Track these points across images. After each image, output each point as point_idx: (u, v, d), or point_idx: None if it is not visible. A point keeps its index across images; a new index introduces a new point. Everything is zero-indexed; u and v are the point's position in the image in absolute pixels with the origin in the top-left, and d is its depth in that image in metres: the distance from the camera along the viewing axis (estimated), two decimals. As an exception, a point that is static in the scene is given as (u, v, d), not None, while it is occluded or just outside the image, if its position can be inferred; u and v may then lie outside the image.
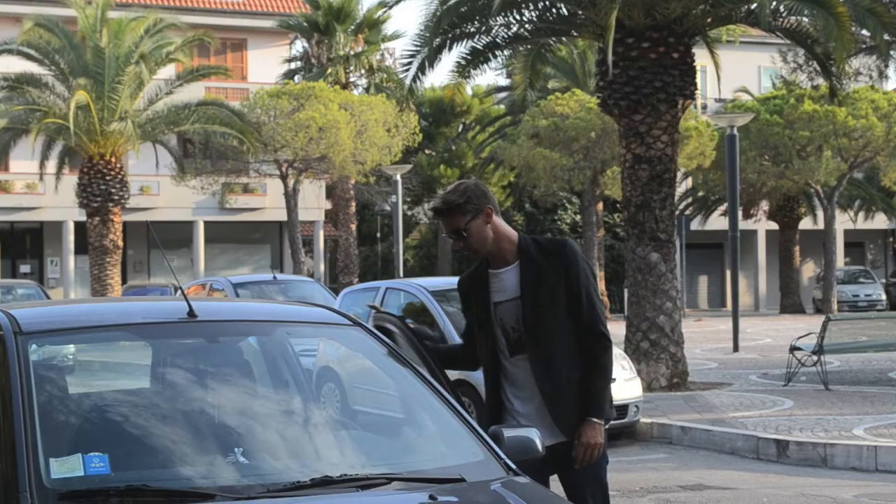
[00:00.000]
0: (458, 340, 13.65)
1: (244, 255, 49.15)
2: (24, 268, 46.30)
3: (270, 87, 40.41)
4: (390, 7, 47.56)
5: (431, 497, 3.76)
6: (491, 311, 5.16)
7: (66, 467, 3.73)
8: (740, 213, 33.96)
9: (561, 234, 53.92)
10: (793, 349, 17.20)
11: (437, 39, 18.59)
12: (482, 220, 5.09)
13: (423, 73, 19.12)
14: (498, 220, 5.13)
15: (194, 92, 35.94)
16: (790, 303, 46.99)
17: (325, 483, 3.82)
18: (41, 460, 3.72)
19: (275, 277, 21.19)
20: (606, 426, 5.28)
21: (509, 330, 5.14)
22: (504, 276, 5.16)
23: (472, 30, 18.80)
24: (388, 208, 48.59)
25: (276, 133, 37.31)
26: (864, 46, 22.07)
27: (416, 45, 19.11)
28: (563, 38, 23.76)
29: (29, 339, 4.19)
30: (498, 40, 19.20)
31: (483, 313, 5.19)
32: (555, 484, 4.97)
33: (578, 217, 51.51)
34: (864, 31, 19.45)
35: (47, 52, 31.89)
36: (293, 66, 47.69)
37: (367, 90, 45.77)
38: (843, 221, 50.49)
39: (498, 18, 18.41)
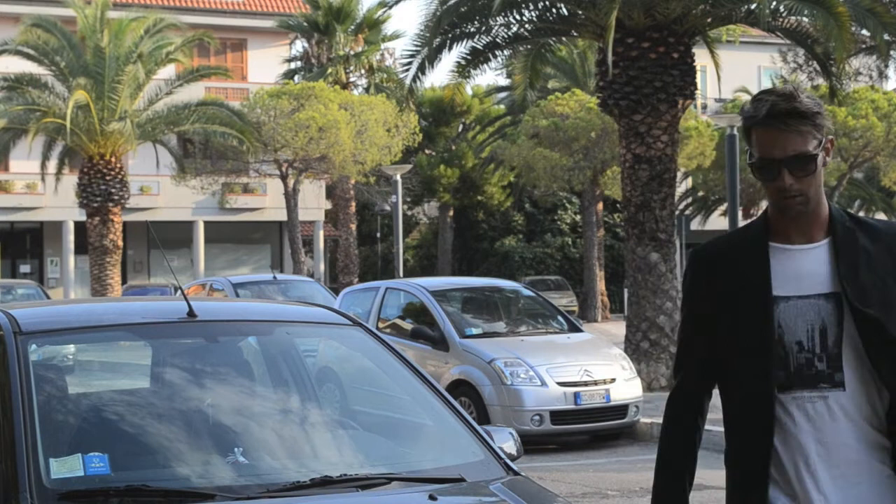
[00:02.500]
0: (457, 340, 13.69)
1: (244, 255, 49.15)
2: (24, 268, 46.29)
3: (270, 87, 40.41)
4: (390, 7, 47.58)
5: (431, 497, 3.76)
6: (772, 312, 3.17)
7: (66, 467, 3.73)
8: (740, 213, 33.93)
9: (561, 234, 53.92)
10: (793, 349, 17.19)
11: (437, 39, 18.61)
12: (824, 154, 3.20)
13: (423, 73, 19.16)
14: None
15: (194, 92, 35.94)
16: (790, 303, 46.92)
17: (324, 483, 3.82)
18: (41, 460, 3.72)
19: (275, 277, 21.19)
20: None
21: (792, 346, 3.17)
22: (803, 257, 3.20)
23: (472, 30, 18.82)
24: (388, 208, 48.60)
25: (276, 133, 37.32)
26: (864, 46, 22.08)
27: (416, 45, 19.14)
28: (563, 38, 23.78)
29: (29, 339, 4.19)
30: (498, 40, 19.22)
31: (752, 313, 3.19)
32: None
33: (578, 217, 51.51)
34: (864, 31, 19.46)
35: (46, 52, 31.89)
36: (293, 66, 47.70)
37: (367, 90, 45.78)
38: (844, 221, 50.37)
39: (498, 18, 18.43)
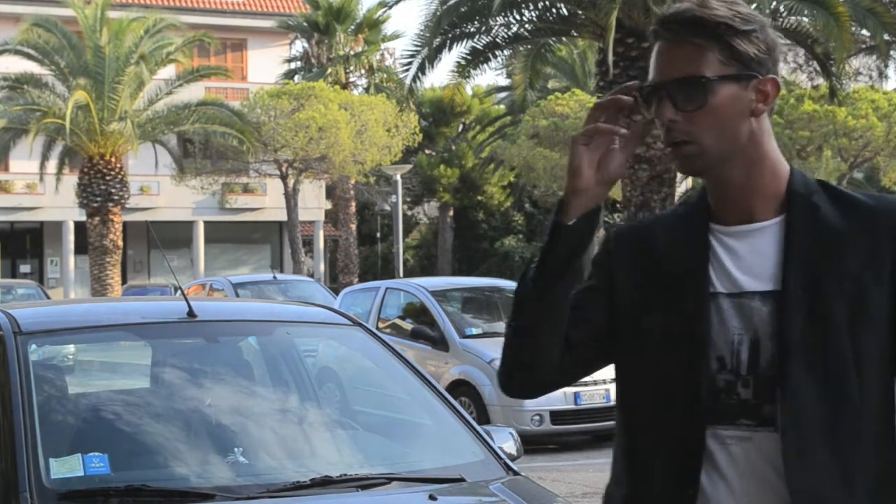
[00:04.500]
0: (457, 340, 13.69)
1: (244, 255, 49.15)
2: (24, 268, 46.29)
3: (270, 87, 40.42)
4: (390, 7, 47.64)
5: (431, 497, 3.76)
6: (708, 312, 2.22)
7: (65, 467, 3.73)
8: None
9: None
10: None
11: (437, 39, 18.63)
12: (748, 96, 2.19)
13: (423, 73, 19.20)
14: (768, 126, 2.24)
15: (194, 92, 35.95)
16: (790, 303, 46.96)
17: (324, 483, 3.81)
18: (41, 460, 3.72)
19: (275, 277, 21.20)
20: None
21: (729, 361, 2.21)
22: (740, 242, 2.25)
23: (472, 30, 18.84)
24: (388, 208, 48.61)
25: (276, 133, 37.32)
26: (864, 46, 22.11)
27: (416, 45, 19.16)
28: (563, 38, 23.80)
29: (29, 339, 4.19)
30: (498, 40, 19.24)
31: (679, 316, 2.24)
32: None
33: (578, 217, 51.46)
34: (864, 31, 19.48)
35: (46, 52, 31.91)
36: (293, 66, 47.72)
37: (367, 90, 45.79)
38: (843, 221, 50.46)
39: (498, 18, 18.45)
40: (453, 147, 53.60)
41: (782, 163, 2.26)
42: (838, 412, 2.14)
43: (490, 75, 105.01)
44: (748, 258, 2.23)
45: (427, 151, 52.55)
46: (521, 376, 2.36)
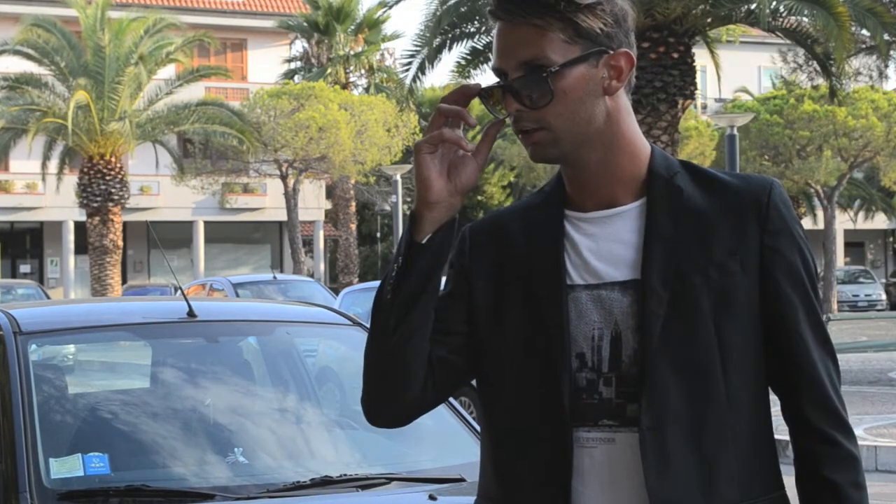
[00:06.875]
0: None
1: (244, 255, 49.17)
2: (24, 268, 46.32)
3: (270, 87, 40.44)
4: (390, 7, 47.66)
5: (431, 497, 3.76)
6: (564, 307, 2.06)
7: (65, 467, 3.73)
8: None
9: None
10: (793, 349, 17.21)
11: (437, 39, 18.65)
12: (599, 74, 2.03)
13: (423, 73, 19.23)
14: (626, 104, 2.08)
15: (194, 92, 35.97)
16: (790, 303, 46.91)
17: (324, 483, 3.81)
18: (41, 460, 3.72)
19: (275, 277, 21.21)
20: None
21: (590, 358, 2.05)
22: (598, 229, 2.09)
23: (472, 30, 18.86)
24: (388, 208, 48.63)
25: (276, 133, 37.34)
26: (864, 46, 22.11)
27: (416, 45, 19.18)
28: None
29: (29, 339, 4.19)
30: (498, 40, 19.26)
31: (536, 312, 2.08)
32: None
33: (578, 217, 51.51)
34: (864, 31, 19.49)
35: (46, 52, 31.95)
36: (293, 66, 47.75)
37: (367, 90, 45.81)
38: (843, 221, 50.54)
39: (498, 18, 18.47)
40: (453, 147, 53.65)
41: (642, 143, 2.09)
42: (704, 411, 1.99)
43: (490, 75, 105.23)
44: (607, 246, 2.06)
45: (427, 151, 52.57)
46: (387, 409, 2.14)
